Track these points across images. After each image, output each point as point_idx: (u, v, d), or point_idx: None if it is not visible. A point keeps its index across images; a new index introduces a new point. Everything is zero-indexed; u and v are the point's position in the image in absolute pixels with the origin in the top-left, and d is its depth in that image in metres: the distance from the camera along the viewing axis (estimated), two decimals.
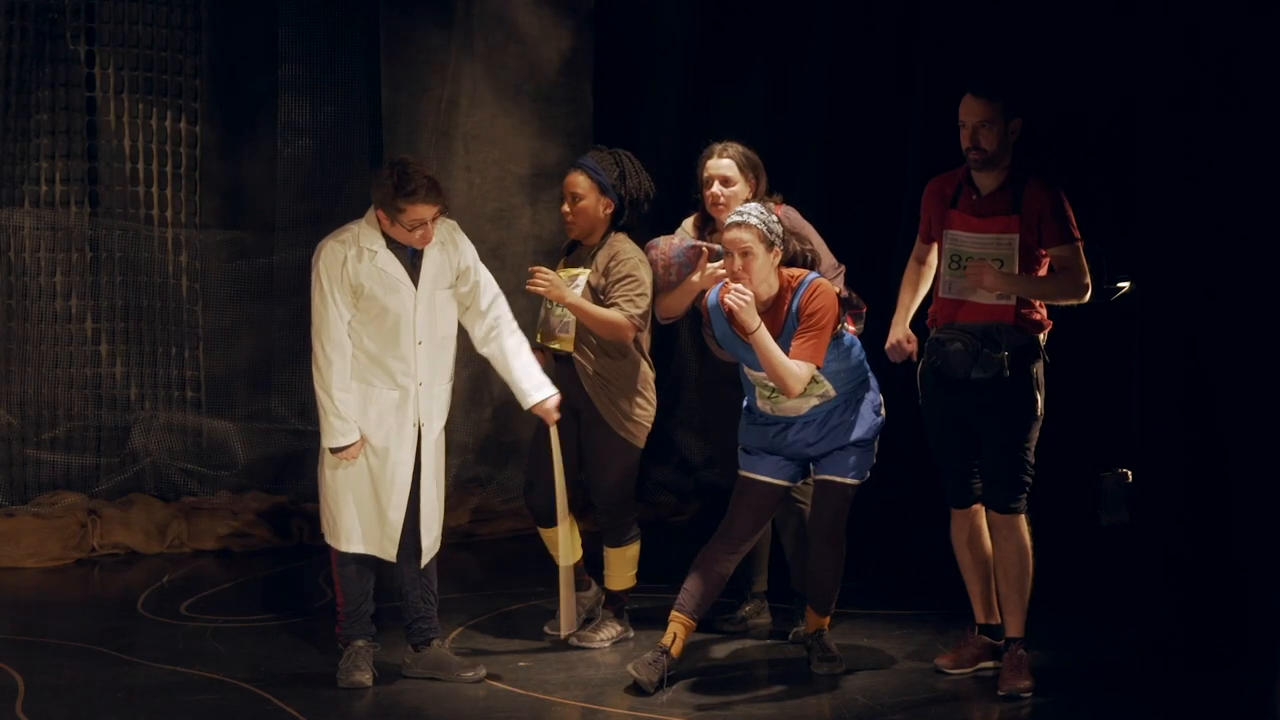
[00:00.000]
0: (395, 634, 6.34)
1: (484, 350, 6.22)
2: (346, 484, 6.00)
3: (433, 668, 6.16)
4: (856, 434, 6.11)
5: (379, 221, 5.92)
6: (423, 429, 6.03)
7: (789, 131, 9.85)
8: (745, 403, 6.24)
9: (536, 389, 6.19)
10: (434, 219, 5.88)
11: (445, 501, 6.27)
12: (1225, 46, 6.26)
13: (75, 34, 8.63)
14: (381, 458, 5.98)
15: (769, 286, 5.95)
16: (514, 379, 6.20)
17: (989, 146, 5.94)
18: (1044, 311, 6.06)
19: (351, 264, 5.89)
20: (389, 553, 6.05)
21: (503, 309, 6.21)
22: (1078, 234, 5.98)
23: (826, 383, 6.01)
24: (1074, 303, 6.02)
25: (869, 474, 6.22)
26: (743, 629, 6.84)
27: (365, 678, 6.07)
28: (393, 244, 5.94)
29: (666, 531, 8.68)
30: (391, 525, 6.00)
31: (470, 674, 6.13)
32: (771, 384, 5.97)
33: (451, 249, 6.05)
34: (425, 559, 6.11)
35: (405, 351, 5.95)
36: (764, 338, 5.83)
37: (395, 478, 5.99)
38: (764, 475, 6.14)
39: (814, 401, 6.04)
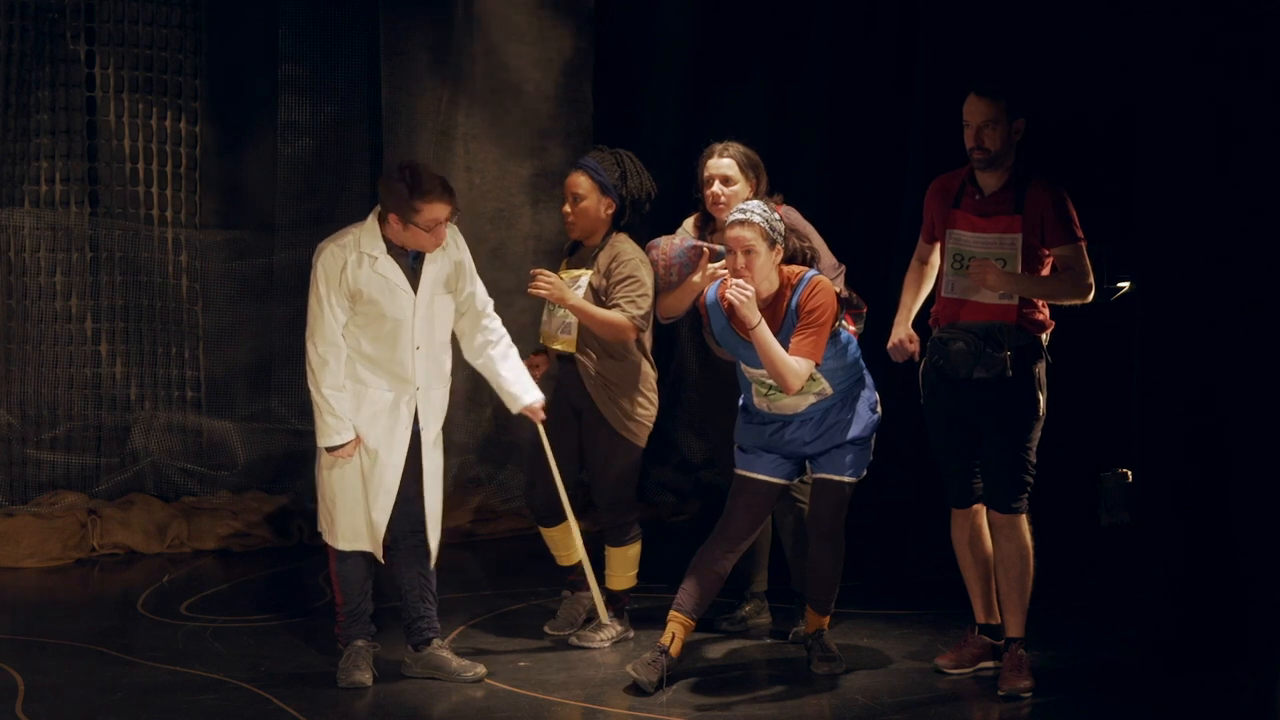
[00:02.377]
0: (395, 634, 6.34)
1: (475, 360, 6.25)
2: (341, 483, 6.01)
3: (432, 668, 6.16)
4: (853, 432, 6.11)
5: (388, 225, 5.90)
6: (421, 433, 6.04)
7: (789, 131, 9.85)
8: (741, 401, 6.24)
9: (525, 392, 6.22)
10: (447, 218, 5.89)
11: (445, 502, 6.29)
12: (1226, 46, 6.26)
13: (75, 34, 8.64)
14: (372, 458, 5.99)
15: (770, 284, 5.96)
16: (502, 385, 6.23)
17: (993, 146, 5.94)
18: (1046, 312, 6.06)
19: (351, 269, 5.89)
20: (377, 552, 6.07)
21: (495, 318, 6.24)
22: (1081, 234, 5.98)
23: (824, 380, 6.01)
24: (1077, 303, 6.02)
25: (866, 472, 6.22)
26: (743, 629, 6.84)
27: (365, 677, 6.07)
28: (393, 249, 5.94)
29: (666, 531, 8.68)
30: (376, 526, 6.02)
31: (470, 674, 6.13)
32: (769, 381, 5.97)
33: (453, 250, 6.07)
34: (434, 560, 6.12)
35: (403, 356, 5.96)
36: (764, 333, 5.83)
37: (383, 480, 6.00)
38: (760, 474, 6.14)
39: (811, 399, 6.04)
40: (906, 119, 9.72)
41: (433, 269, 5.98)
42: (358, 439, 5.95)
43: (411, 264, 5.96)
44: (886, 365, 6.56)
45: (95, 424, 8.80)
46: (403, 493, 6.04)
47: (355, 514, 6.02)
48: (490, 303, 6.25)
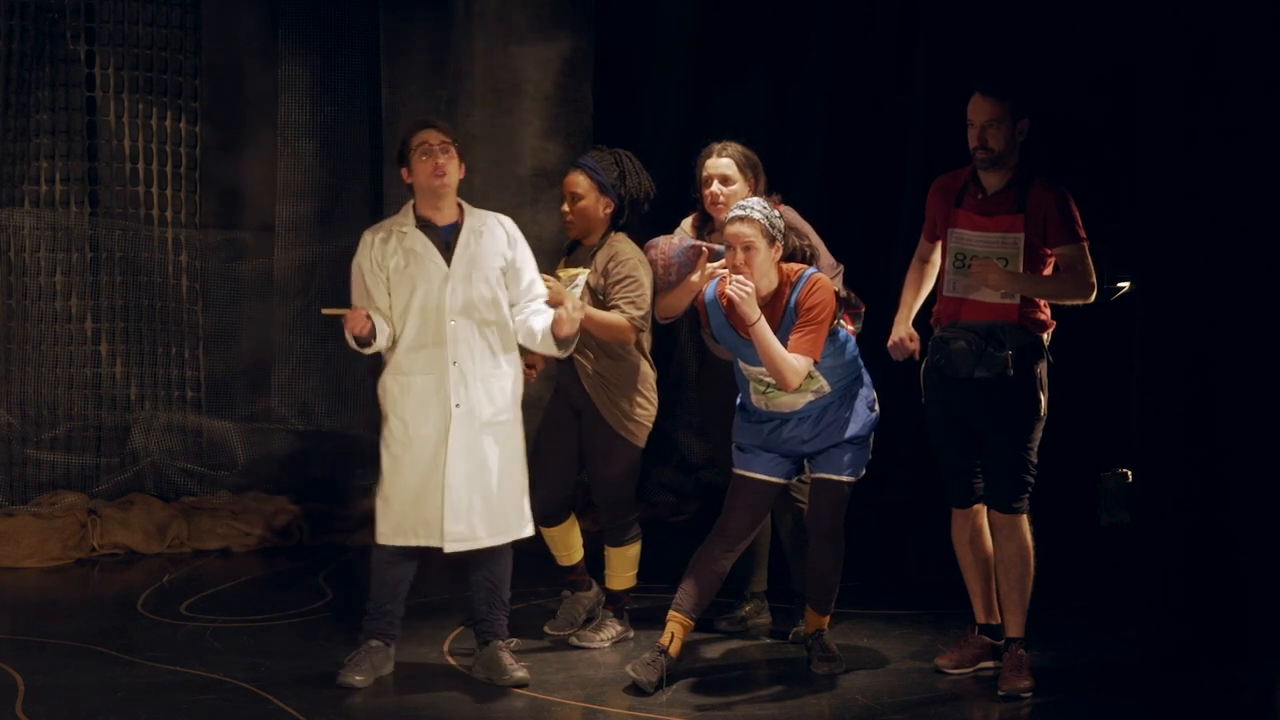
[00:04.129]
0: (412, 634, 6.32)
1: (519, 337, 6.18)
2: (394, 476, 6.00)
3: (484, 665, 6.16)
4: (851, 430, 6.11)
5: (418, 201, 6.03)
6: (457, 409, 5.98)
7: (789, 131, 9.85)
8: (739, 400, 6.24)
9: (548, 318, 6.08)
10: (441, 147, 5.95)
11: (517, 493, 6.15)
12: (1226, 44, 6.26)
13: (75, 34, 8.65)
14: (424, 443, 5.98)
15: (769, 281, 5.96)
16: (537, 332, 6.07)
17: (996, 146, 5.94)
18: (1048, 311, 6.06)
19: (379, 246, 6.00)
20: (429, 537, 5.99)
21: (539, 305, 6.15)
22: (1083, 234, 5.97)
23: (821, 378, 6.01)
24: (1079, 302, 6.02)
25: (865, 471, 6.22)
26: (742, 629, 6.84)
27: (358, 679, 6.02)
28: (425, 225, 6.01)
29: (666, 531, 8.68)
30: (428, 508, 5.98)
31: (507, 678, 6.08)
32: (767, 379, 5.97)
33: (489, 239, 6.06)
34: (450, 545, 6.00)
35: (440, 329, 5.96)
36: (764, 330, 5.83)
37: (435, 465, 5.97)
38: (759, 473, 6.14)
39: (809, 397, 6.03)
40: (906, 119, 9.71)
41: (467, 246, 6.01)
42: (359, 310, 5.86)
43: (445, 239, 6.01)
44: (886, 365, 6.56)
45: (95, 424, 8.80)
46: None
47: (403, 507, 5.99)
48: (539, 296, 6.16)
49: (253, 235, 9.11)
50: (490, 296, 6.04)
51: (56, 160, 8.65)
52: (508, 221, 6.18)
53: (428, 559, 6.17)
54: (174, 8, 8.88)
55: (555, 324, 6.01)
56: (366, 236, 6.07)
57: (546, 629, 6.77)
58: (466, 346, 5.99)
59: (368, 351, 6.01)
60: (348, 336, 5.94)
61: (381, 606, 6.12)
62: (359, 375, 9.24)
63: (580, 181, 6.50)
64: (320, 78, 9.10)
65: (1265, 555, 6.20)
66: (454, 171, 6.01)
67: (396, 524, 6.02)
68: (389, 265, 5.97)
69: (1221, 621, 6.32)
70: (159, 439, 8.84)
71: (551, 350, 6.09)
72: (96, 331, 8.81)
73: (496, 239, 6.09)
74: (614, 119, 9.43)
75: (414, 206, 6.07)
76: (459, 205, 6.10)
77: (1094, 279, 5.99)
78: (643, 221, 6.64)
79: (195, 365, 9.03)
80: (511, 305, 6.12)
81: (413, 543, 6.03)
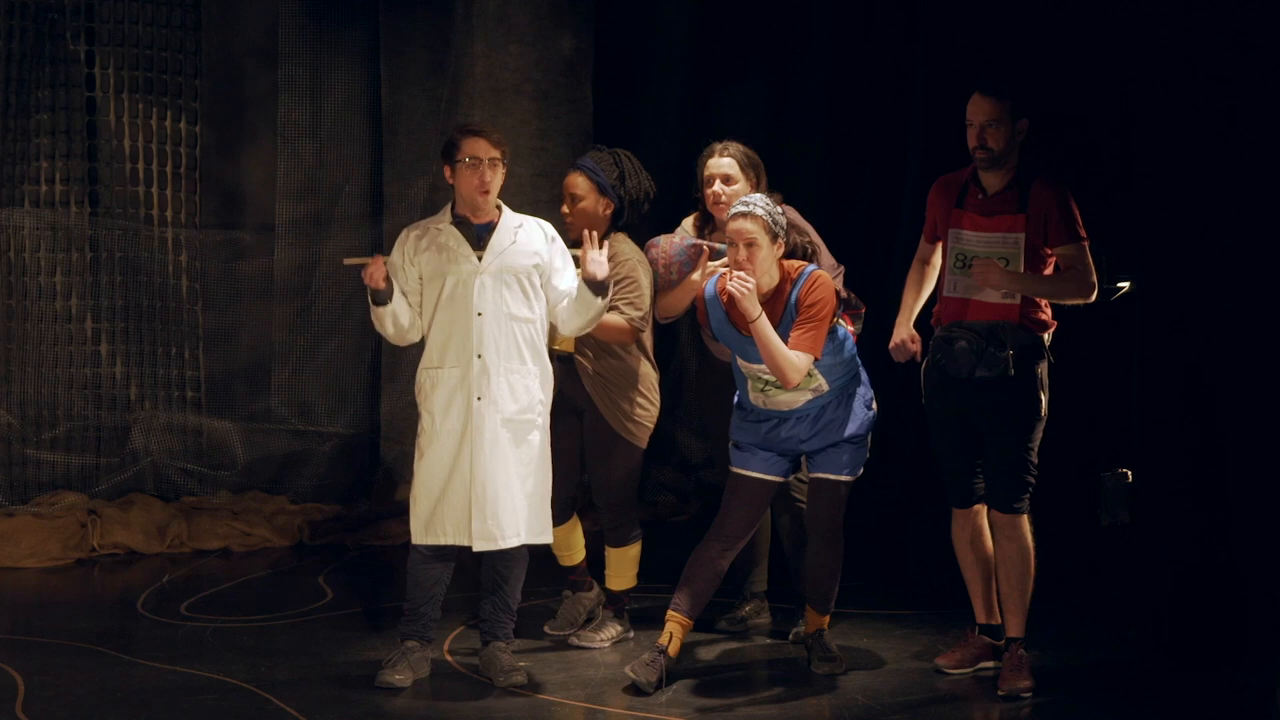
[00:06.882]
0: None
1: (558, 322, 6.17)
2: (423, 472, 6.01)
3: (486, 666, 6.16)
4: (850, 430, 6.11)
5: (456, 200, 6.05)
6: (478, 402, 5.96)
7: (789, 131, 9.86)
8: (736, 398, 6.23)
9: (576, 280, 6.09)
10: (490, 161, 5.96)
11: (537, 498, 6.11)
12: (1224, 46, 6.27)
13: (75, 34, 8.65)
14: (450, 437, 5.99)
15: (770, 278, 5.95)
16: (572, 290, 6.07)
17: (996, 146, 5.93)
18: (1049, 311, 6.06)
19: (414, 241, 6.04)
20: (457, 535, 5.99)
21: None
22: (1084, 234, 5.98)
23: (820, 376, 6.01)
24: (1080, 302, 6.02)
25: (863, 470, 6.22)
26: (742, 629, 6.84)
27: (399, 678, 6.01)
28: (459, 221, 6.04)
29: (666, 531, 8.68)
30: (455, 505, 5.99)
31: (503, 680, 6.07)
32: (766, 376, 5.97)
33: (525, 238, 6.07)
34: (480, 544, 5.99)
35: (467, 322, 5.97)
36: (764, 326, 5.83)
37: (454, 454, 5.99)
38: (756, 471, 6.14)
39: (807, 395, 6.03)
40: (906, 119, 9.72)
41: (500, 243, 6.01)
42: (379, 259, 5.93)
43: (479, 234, 6.03)
44: (887, 364, 6.56)
45: (95, 424, 8.80)
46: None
47: (431, 504, 6.00)
48: (572, 292, 6.13)
49: (253, 235, 9.11)
50: (521, 294, 6.04)
51: (56, 160, 8.66)
52: (548, 226, 6.18)
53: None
54: (174, 8, 8.89)
55: (583, 269, 5.99)
56: (403, 233, 6.11)
57: (546, 629, 6.78)
58: (492, 341, 5.99)
59: (385, 315, 5.96)
60: (370, 301, 5.98)
61: (416, 608, 6.11)
62: (359, 375, 9.25)
63: (580, 183, 6.50)
64: (320, 78, 9.11)
65: (1265, 555, 6.21)
66: (498, 183, 6.04)
67: (426, 522, 6.02)
68: (420, 260, 6.01)
69: (1221, 621, 6.33)
70: (159, 439, 8.84)
71: (590, 306, 6.03)
72: (96, 331, 8.81)
73: (533, 239, 6.09)
74: (614, 119, 9.43)
75: (452, 206, 6.10)
76: (498, 206, 6.12)
77: (1095, 279, 5.98)
78: (644, 221, 6.63)
79: (195, 365, 9.03)
80: (552, 308, 6.14)
81: (441, 541, 6.02)
